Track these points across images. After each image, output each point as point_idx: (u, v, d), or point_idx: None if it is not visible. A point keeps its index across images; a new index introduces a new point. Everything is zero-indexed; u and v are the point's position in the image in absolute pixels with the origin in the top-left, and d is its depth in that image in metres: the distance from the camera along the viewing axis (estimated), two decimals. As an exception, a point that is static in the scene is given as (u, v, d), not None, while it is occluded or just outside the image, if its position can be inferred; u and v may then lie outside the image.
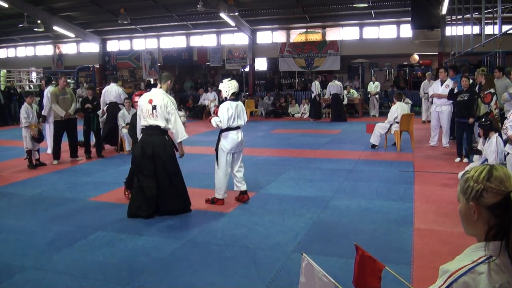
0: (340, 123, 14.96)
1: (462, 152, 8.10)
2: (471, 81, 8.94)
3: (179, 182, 5.29)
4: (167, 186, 5.18)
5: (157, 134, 5.17)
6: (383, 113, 16.04)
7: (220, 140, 5.62)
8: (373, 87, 17.03)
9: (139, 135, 5.38)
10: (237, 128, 5.62)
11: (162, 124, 5.14)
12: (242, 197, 5.76)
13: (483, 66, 12.52)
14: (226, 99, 5.68)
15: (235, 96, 5.71)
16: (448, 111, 9.47)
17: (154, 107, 5.11)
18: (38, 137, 8.31)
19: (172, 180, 5.22)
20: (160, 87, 5.33)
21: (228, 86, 5.65)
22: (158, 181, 5.16)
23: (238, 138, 5.59)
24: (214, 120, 5.60)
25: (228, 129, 5.56)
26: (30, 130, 8.22)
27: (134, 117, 6.05)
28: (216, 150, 5.65)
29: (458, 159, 8.20)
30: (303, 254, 2.24)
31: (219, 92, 6.17)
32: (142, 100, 5.22)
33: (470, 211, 1.33)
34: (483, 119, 6.61)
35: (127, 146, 9.60)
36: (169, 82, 5.35)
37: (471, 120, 7.99)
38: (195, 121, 16.57)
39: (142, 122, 5.21)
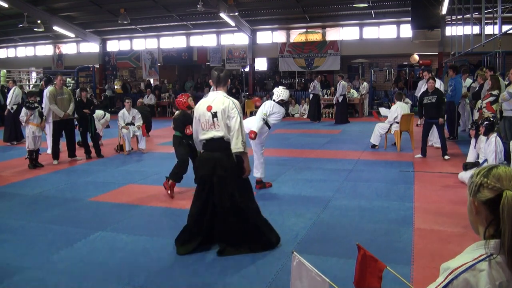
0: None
1: (425, 150, 8.59)
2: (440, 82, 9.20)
3: (248, 208, 4.19)
4: (229, 213, 4.10)
5: (220, 148, 4.12)
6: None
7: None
8: (361, 88, 17.52)
9: (200, 148, 4.40)
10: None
11: (225, 133, 4.10)
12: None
13: (482, 66, 12.54)
14: (274, 100, 6.39)
15: (282, 104, 6.45)
16: None
17: (214, 115, 4.08)
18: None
19: (238, 206, 4.12)
20: (219, 89, 4.25)
21: (281, 92, 6.40)
22: (215, 207, 4.14)
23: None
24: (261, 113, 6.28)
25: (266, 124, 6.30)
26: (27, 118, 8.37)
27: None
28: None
29: (419, 155, 8.56)
30: (294, 252, 2.22)
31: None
32: (200, 109, 4.19)
33: (471, 207, 1.37)
34: (488, 118, 6.58)
35: (127, 146, 9.60)
36: (229, 81, 4.41)
37: (441, 120, 8.29)
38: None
39: (201, 136, 4.19)
